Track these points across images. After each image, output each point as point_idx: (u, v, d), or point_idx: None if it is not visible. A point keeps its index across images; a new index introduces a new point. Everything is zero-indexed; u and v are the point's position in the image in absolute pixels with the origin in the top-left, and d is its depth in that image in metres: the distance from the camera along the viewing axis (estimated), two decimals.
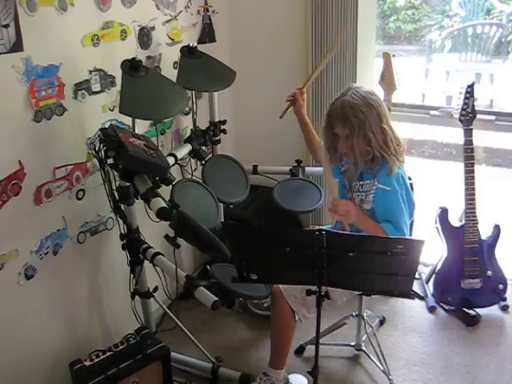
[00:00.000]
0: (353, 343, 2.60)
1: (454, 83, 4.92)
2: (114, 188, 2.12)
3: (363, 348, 2.57)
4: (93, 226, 2.33)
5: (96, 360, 2.17)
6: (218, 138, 2.84)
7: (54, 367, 2.20)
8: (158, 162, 1.81)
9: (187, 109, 2.80)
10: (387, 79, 2.76)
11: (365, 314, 2.51)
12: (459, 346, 2.63)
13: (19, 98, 1.90)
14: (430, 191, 3.75)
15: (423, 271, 3.13)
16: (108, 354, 2.20)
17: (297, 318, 2.24)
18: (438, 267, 2.85)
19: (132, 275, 2.33)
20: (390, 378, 2.39)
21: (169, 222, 1.86)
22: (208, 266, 2.27)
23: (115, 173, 2.09)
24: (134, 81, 2.06)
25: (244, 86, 3.21)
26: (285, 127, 2.68)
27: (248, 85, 3.20)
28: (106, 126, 2.25)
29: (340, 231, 1.66)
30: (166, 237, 1.88)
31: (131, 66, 2.08)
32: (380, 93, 2.82)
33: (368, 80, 2.91)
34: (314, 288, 1.81)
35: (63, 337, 2.26)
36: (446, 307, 2.86)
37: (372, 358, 2.50)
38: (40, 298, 2.11)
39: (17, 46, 1.85)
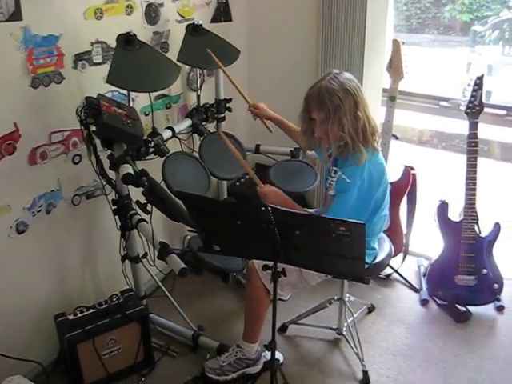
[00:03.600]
0: (335, 327, 2.63)
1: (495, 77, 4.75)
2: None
3: (344, 333, 2.60)
4: (89, 190, 2.47)
5: (79, 315, 2.31)
6: (222, 115, 2.90)
7: (43, 318, 2.36)
8: (131, 131, 1.91)
9: (195, 85, 2.88)
10: (395, 67, 2.73)
11: (347, 299, 2.54)
12: (443, 341, 2.60)
13: (16, 65, 2.03)
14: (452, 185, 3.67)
15: (423, 264, 3.10)
16: (91, 310, 2.34)
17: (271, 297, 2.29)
18: (434, 260, 2.82)
19: (123, 240, 2.46)
20: (364, 363, 2.41)
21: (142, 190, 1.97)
22: (188, 236, 2.35)
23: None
24: (126, 54, 2.16)
25: (259, 66, 3.27)
26: (295, 109, 2.71)
27: (263, 65, 3.25)
28: (107, 96, 2.39)
29: (284, 208, 1.69)
30: (137, 202, 1.98)
31: (126, 40, 2.18)
32: (388, 80, 2.81)
33: (377, 67, 2.88)
34: (270, 264, 1.87)
35: (54, 291, 2.42)
36: (439, 302, 2.83)
37: (350, 343, 2.52)
38: (31, 252, 2.26)
39: (15, 16, 1.98)
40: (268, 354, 2.43)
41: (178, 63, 2.45)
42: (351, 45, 2.80)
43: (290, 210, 1.93)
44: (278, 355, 2.52)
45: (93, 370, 2.29)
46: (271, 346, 2.01)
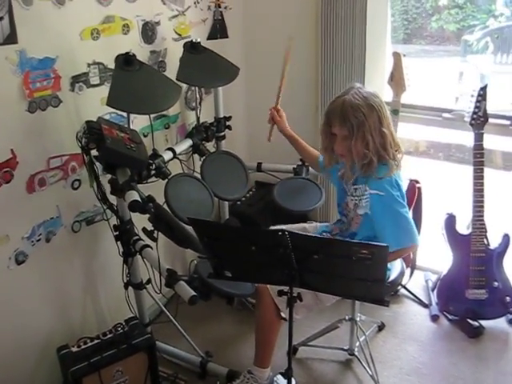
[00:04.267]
0: (346, 347, 2.56)
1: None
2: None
3: (356, 353, 2.52)
4: (89, 216, 2.38)
5: (83, 346, 2.21)
6: (222, 133, 2.84)
7: (45, 351, 2.27)
8: (136, 156, 1.84)
9: (194, 104, 2.82)
10: (396, 79, 2.69)
11: (358, 319, 2.47)
12: (458, 358, 2.53)
13: (12, 89, 1.96)
14: (457, 197, 3.63)
15: (430, 278, 3.04)
16: (95, 341, 2.24)
17: (283, 315, 2.22)
18: (443, 275, 2.76)
19: (125, 266, 2.37)
20: None
21: (148, 216, 1.89)
22: (195, 261, 2.28)
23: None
24: (125, 75, 2.09)
25: (257, 84, 3.22)
26: (294, 127, 2.66)
27: (261, 82, 3.19)
28: (106, 118, 2.32)
29: (304, 233, 1.62)
30: (144, 229, 1.90)
31: (125, 61, 2.11)
32: (389, 93, 2.77)
33: (378, 80, 2.84)
34: (286, 289, 1.80)
35: (56, 322, 2.33)
36: (450, 317, 2.77)
37: (363, 363, 2.45)
38: (31, 283, 2.17)
39: (11, 39, 1.91)
40: (280, 379, 2.38)
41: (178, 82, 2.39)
42: (352, 58, 2.77)
43: (309, 234, 1.87)
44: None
45: None
46: (287, 374, 1.94)
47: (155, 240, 1.91)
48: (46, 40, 2.04)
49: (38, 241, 2.17)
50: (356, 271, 1.65)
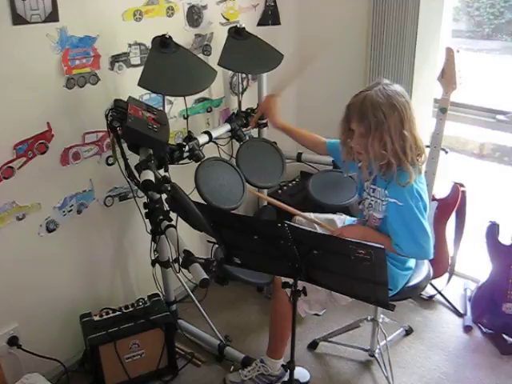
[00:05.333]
0: (367, 348, 2.50)
1: None
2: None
3: (376, 355, 2.46)
4: (122, 192, 2.46)
5: (105, 316, 2.32)
6: (264, 121, 2.82)
7: (71, 317, 2.37)
8: (154, 136, 1.87)
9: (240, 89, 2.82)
10: (447, 76, 2.54)
11: (380, 320, 2.40)
12: (485, 374, 2.40)
13: (51, 65, 2.05)
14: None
15: (469, 287, 2.89)
16: (117, 313, 2.33)
17: (299, 312, 2.19)
18: (481, 284, 2.62)
19: (153, 243, 2.43)
20: None
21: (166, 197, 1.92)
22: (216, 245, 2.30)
23: None
24: (160, 57, 2.12)
25: (308, 73, 3.15)
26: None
27: (312, 72, 3.13)
28: (144, 98, 2.38)
29: (303, 227, 1.59)
30: (160, 209, 1.94)
31: (161, 43, 2.14)
32: (439, 90, 2.63)
33: (428, 75, 2.70)
34: (290, 282, 1.78)
35: (84, 291, 2.44)
36: (484, 329, 2.62)
37: (382, 366, 2.38)
38: (60, 251, 2.28)
39: (52, 17, 2.00)
40: (295, 372, 2.36)
41: (219, 67, 2.41)
42: (401, 52, 2.64)
43: (306, 228, 1.83)
44: (305, 373, 2.43)
45: (114, 373, 2.28)
46: (290, 367, 1.93)
47: (171, 220, 1.94)
48: (87, 19, 2.11)
49: (70, 211, 2.27)
50: (357, 271, 1.61)
